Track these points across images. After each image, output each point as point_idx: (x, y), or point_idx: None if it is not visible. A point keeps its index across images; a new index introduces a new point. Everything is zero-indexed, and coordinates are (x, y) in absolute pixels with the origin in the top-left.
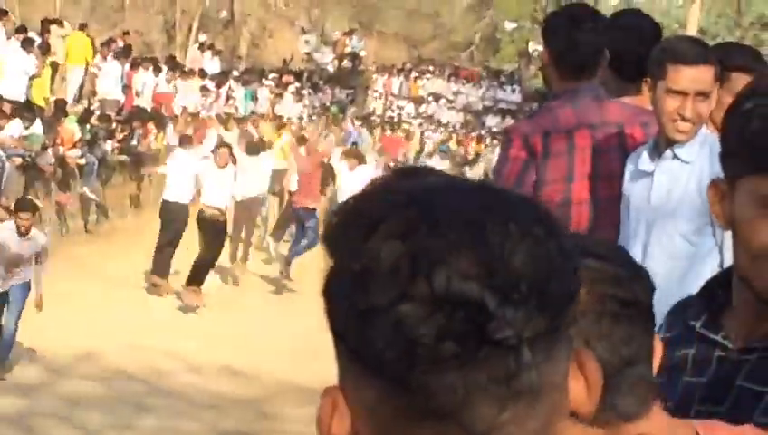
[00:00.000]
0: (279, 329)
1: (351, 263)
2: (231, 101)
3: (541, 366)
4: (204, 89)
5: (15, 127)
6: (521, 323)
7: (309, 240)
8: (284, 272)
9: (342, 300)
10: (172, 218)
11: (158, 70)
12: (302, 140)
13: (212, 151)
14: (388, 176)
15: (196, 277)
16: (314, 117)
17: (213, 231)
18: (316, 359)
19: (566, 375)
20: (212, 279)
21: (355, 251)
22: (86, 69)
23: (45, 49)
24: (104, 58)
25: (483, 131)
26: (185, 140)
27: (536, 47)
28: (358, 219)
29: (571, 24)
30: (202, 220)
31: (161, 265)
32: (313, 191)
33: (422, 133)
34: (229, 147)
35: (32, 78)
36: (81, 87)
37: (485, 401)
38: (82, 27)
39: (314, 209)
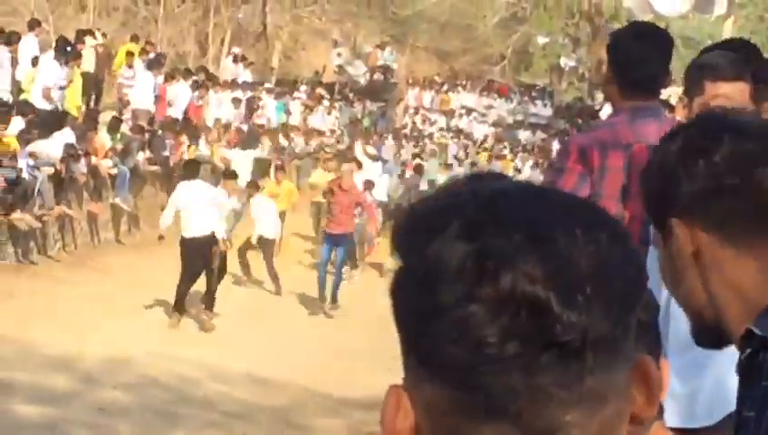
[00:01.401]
0: (308, 339)
1: (418, 263)
2: (260, 111)
3: (604, 370)
4: (236, 100)
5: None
6: (585, 327)
7: (339, 261)
8: (330, 309)
9: (409, 299)
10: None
11: (191, 81)
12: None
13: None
14: (457, 179)
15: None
16: (345, 130)
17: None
18: (345, 369)
19: (628, 380)
20: (243, 290)
21: (423, 252)
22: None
23: (77, 58)
24: (129, 67)
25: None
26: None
27: (568, 62)
28: (426, 220)
29: (635, 41)
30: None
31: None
32: (348, 220)
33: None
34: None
35: (62, 88)
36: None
37: (548, 404)
38: (133, 39)
39: (349, 233)
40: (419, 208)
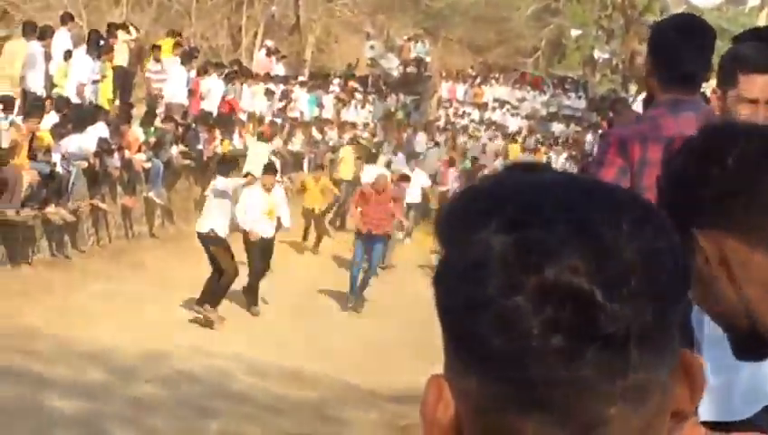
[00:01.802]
0: (343, 332)
1: (462, 254)
2: (292, 104)
3: (648, 364)
4: (269, 94)
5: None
6: (629, 319)
7: (374, 260)
8: (357, 306)
9: (452, 290)
10: None
11: (223, 75)
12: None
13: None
14: (502, 170)
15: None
16: (379, 123)
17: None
18: (380, 362)
19: (672, 375)
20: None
21: (466, 242)
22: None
23: (109, 52)
24: (156, 61)
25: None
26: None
27: (601, 54)
28: (470, 211)
29: (677, 34)
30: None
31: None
32: (384, 221)
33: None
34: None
35: (95, 82)
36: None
37: (591, 397)
38: (171, 33)
39: (385, 234)
40: (463, 199)
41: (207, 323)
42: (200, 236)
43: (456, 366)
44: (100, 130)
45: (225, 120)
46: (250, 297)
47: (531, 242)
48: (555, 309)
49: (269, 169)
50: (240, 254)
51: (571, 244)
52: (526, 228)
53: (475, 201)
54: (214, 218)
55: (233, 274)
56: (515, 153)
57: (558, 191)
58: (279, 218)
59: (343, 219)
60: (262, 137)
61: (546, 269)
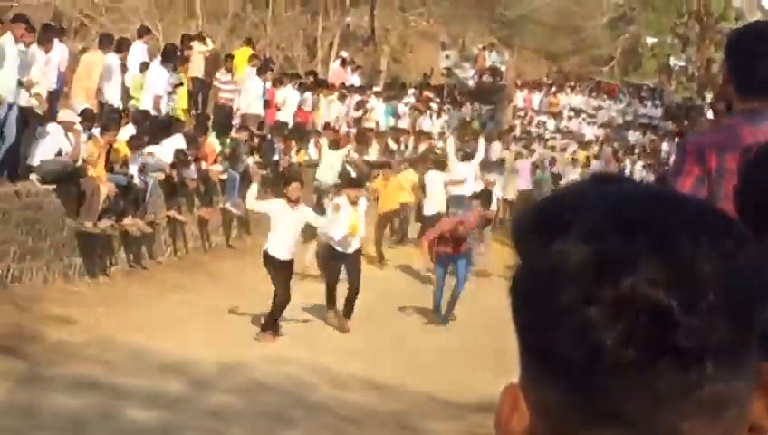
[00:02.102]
0: (423, 343)
1: (539, 263)
2: (369, 115)
3: (724, 378)
4: (343, 102)
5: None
6: (706, 334)
7: (461, 276)
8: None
9: (528, 299)
10: None
11: (300, 85)
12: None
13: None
14: (582, 180)
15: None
16: (453, 132)
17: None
18: (459, 372)
19: (749, 390)
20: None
21: (544, 252)
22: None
23: (184, 64)
24: (227, 71)
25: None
26: None
27: (677, 62)
28: (548, 221)
29: (754, 41)
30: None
31: None
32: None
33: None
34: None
35: (171, 94)
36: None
37: (665, 410)
38: (246, 42)
39: (468, 250)
40: (542, 208)
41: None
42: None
43: (530, 376)
44: (176, 141)
45: (301, 130)
46: (347, 311)
47: (608, 253)
48: (631, 321)
49: (354, 182)
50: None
51: (648, 256)
52: (604, 239)
53: (553, 211)
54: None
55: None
56: (589, 162)
57: (637, 202)
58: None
59: (404, 235)
60: (333, 145)
61: (623, 281)
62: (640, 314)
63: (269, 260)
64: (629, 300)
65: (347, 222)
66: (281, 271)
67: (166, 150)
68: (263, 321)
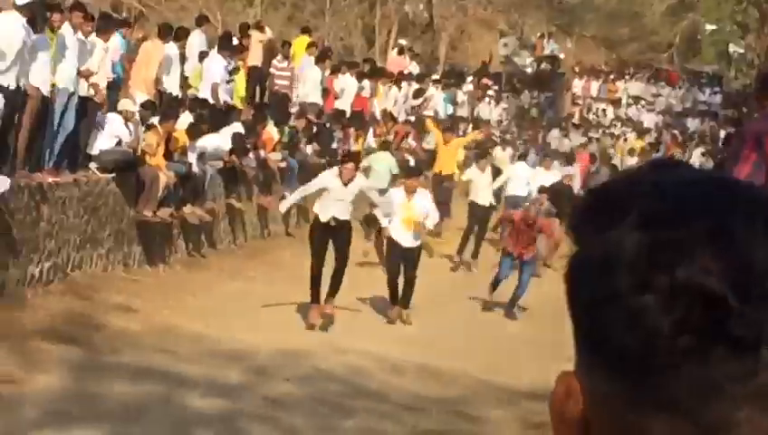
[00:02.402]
0: (480, 330)
1: (595, 250)
2: (426, 103)
3: None
4: (400, 89)
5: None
6: (761, 322)
7: (524, 281)
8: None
9: (583, 286)
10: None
11: (358, 74)
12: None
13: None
14: (639, 167)
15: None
16: (512, 120)
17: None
18: (516, 360)
19: None
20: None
21: (599, 238)
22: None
23: (242, 52)
24: (285, 58)
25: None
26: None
27: (737, 48)
28: (604, 208)
29: None
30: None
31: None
32: (532, 245)
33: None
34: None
35: (229, 82)
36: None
37: (720, 399)
38: (304, 30)
39: (534, 255)
40: (598, 195)
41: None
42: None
43: (585, 363)
44: (235, 129)
45: (359, 118)
46: (404, 303)
47: (664, 240)
48: (685, 309)
49: (413, 171)
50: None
51: (704, 244)
52: (660, 227)
53: (610, 198)
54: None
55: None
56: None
57: (695, 190)
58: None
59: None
60: (383, 145)
61: (678, 269)
62: (695, 302)
63: (315, 223)
64: (684, 288)
65: (400, 214)
66: (322, 232)
67: (225, 139)
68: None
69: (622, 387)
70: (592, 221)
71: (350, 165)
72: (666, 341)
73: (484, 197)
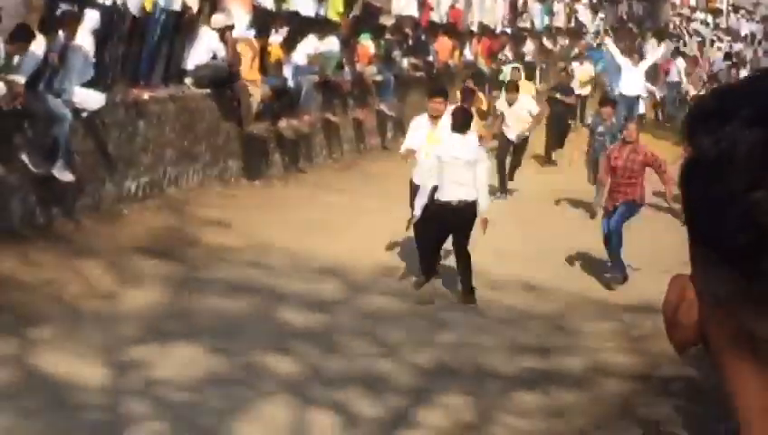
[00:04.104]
0: (578, 245)
1: (709, 149)
2: (525, 16)
3: None
4: (498, 3)
5: (310, 44)
6: None
7: (614, 223)
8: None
9: (697, 186)
10: None
11: None
12: None
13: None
14: (755, 71)
15: None
16: (610, 30)
17: None
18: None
19: None
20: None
21: (713, 138)
22: None
23: None
24: None
25: None
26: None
27: None
28: (722, 105)
29: None
30: None
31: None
32: (633, 187)
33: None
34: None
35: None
36: None
37: None
38: None
39: (636, 198)
40: (717, 95)
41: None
42: None
43: (699, 263)
44: (330, 43)
45: (454, 30)
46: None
47: None
48: None
49: (439, 92)
50: None
51: None
52: None
53: (728, 97)
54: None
55: None
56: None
57: None
58: None
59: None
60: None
61: None
62: None
63: None
64: None
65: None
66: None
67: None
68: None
69: (737, 285)
70: (709, 119)
71: (439, 98)
72: None
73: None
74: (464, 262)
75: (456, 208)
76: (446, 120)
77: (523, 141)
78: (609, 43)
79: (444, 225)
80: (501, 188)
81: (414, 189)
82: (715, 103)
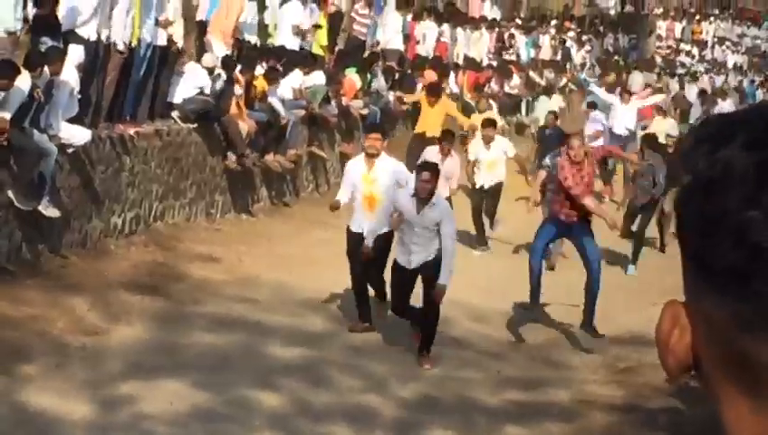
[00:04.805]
0: (564, 278)
1: (705, 171)
2: (512, 49)
3: None
4: (484, 38)
5: (295, 78)
6: None
7: (593, 258)
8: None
9: (692, 207)
10: None
11: (439, 19)
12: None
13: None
14: (750, 105)
15: None
16: (596, 63)
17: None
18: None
19: None
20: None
21: (708, 160)
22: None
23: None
24: (368, 6)
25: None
26: None
27: None
28: (716, 132)
29: None
30: None
31: None
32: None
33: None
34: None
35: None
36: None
37: None
38: None
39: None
40: (710, 122)
41: None
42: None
43: (692, 286)
44: (315, 77)
45: (440, 64)
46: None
47: None
48: None
49: (375, 128)
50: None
51: None
52: (767, 148)
53: (722, 123)
54: None
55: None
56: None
57: None
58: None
59: None
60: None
61: None
62: None
63: None
64: None
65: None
66: None
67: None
68: None
69: (730, 308)
70: (704, 143)
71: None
72: None
73: None
74: (431, 312)
75: (420, 268)
76: (384, 160)
77: (497, 186)
78: (593, 87)
79: (413, 276)
80: (480, 241)
81: (351, 239)
82: (711, 130)
